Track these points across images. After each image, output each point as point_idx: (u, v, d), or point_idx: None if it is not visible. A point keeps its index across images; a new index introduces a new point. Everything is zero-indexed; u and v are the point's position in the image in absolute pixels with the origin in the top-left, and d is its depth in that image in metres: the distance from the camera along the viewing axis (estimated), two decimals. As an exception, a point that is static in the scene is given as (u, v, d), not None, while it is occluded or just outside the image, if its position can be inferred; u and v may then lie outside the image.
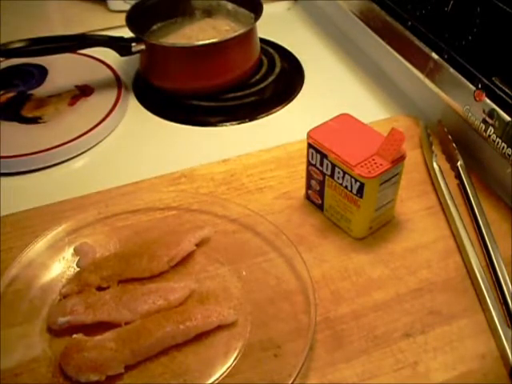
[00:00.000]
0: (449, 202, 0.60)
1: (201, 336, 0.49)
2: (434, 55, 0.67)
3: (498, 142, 0.58)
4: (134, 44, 0.78)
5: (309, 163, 0.58)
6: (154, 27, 0.85)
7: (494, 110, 0.58)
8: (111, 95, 0.78)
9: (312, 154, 0.57)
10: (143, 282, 0.53)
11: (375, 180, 0.52)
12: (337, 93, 0.81)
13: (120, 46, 0.78)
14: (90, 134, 0.72)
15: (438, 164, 0.64)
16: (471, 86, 0.61)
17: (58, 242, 0.57)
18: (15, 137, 0.72)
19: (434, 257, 0.56)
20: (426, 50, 0.68)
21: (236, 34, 0.76)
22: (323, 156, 0.55)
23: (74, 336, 0.48)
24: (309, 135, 0.56)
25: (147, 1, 0.83)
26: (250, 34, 0.80)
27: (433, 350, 0.49)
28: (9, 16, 1.01)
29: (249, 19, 0.83)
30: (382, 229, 0.59)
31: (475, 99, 0.61)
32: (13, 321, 0.51)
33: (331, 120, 0.58)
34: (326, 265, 0.56)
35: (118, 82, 0.81)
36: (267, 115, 0.78)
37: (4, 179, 0.68)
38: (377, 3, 0.77)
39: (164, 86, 0.80)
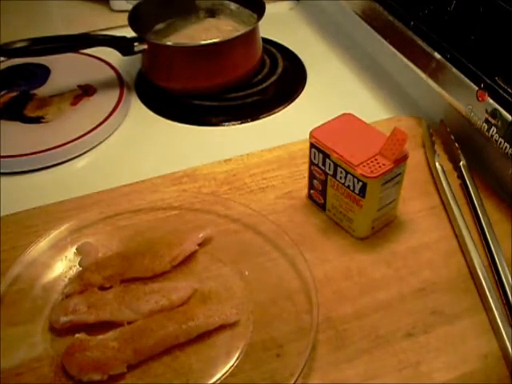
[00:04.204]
0: (451, 202, 0.60)
1: (203, 336, 0.49)
2: (437, 55, 0.66)
3: (500, 142, 0.58)
4: (136, 44, 0.78)
5: (311, 163, 0.58)
6: (157, 27, 0.85)
7: (496, 109, 0.58)
8: (113, 95, 0.78)
9: (314, 153, 0.56)
10: (146, 281, 0.53)
11: (378, 180, 0.52)
12: (339, 92, 0.81)
13: (122, 45, 0.78)
14: (92, 133, 0.72)
15: (441, 164, 0.64)
16: (474, 85, 0.61)
17: (60, 242, 0.57)
18: (18, 136, 0.72)
19: (436, 257, 0.56)
20: (429, 49, 0.68)
21: (238, 33, 0.76)
22: (325, 156, 0.55)
23: (77, 335, 0.48)
24: (311, 135, 0.56)
25: (150, 0, 0.83)
26: (252, 33, 0.80)
27: (435, 350, 0.49)
28: (11, 16, 1.01)
29: (251, 19, 0.83)
30: (384, 229, 0.59)
31: (478, 99, 0.61)
32: (15, 320, 0.51)
33: (333, 120, 0.58)
34: (328, 264, 0.56)
35: (120, 82, 0.81)
36: (269, 115, 0.78)
37: (6, 179, 0.68)
38: (379, 3, 0.77)
39: (166, 85, 0.80)
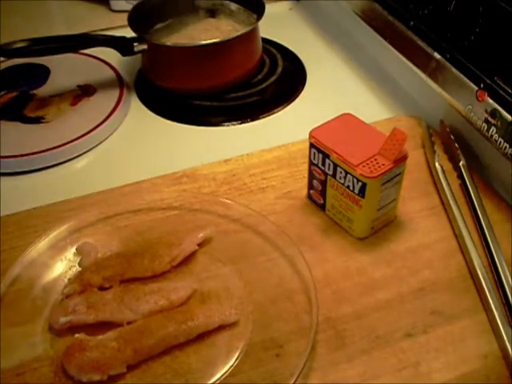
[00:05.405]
0: (451, 202, 0.60)
1: (203, 336, 0.49)
2: (437, 55, 0.66)
3: (500, 142, 0.58)
4: (136, 44, 0.78)
5: (311, 163, 0.58)
6: (157, 27, 0.85)
7: (496, 109, 0.58)
8: (113, 95, 0.78)
9: (314, 153, 0.56)
10: (145, 281, 0.53)
11: (377, 180, 0.52)
12: (339, 93, 0.81)
13: (122, 45, 0.78)
14: (92, 133, 0.72)
15: (440, 164, 0.64)
16: (473, 85, 0.61)
17: (59, 242, 0.57)
18: (18, 136, 0.72)
19: (436, 257, 0.56)
20: (429, 49, 0.68)
21: (238, 33, 0.76)
22: (325, 156, 0.55)
23: (76, 336, 0.48)
24: (311, 135, 0.56)
25: (149, 1, 0.83)
26: (252, 33, 0.80)
27: (435, 350, 0.49)
28: (11, 16, 1.01)
29: (251, 19, 0.83)
30: (384, 229, 0.59)
31: (477, 99, 0.61)
32: (15, 320, 0.51)
33: (333, 120, 0.58)
34: (327, 265, 0.56)
35: (120, 82, 0.81)
36: (269, 115, 0.78)
37: (6, 179, 0.68)
38: (379, 3, 0.77)
39: (166, 85, 0.80)
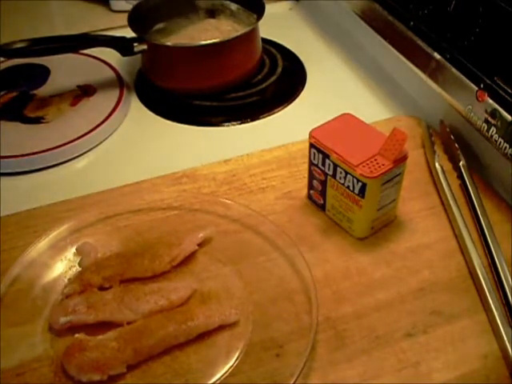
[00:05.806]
0: (451, 202, 0.60)
1: (203, 336, 0.49)
2: (437, 55, 0.66)
3: (500, 142, 0.58)
4: (136, 44, 0.78)
5: (311, 163, 0.58)
6: (157, 27, 0.85)
7: (496, 109, 0.58)
8: (113, 95, 0.78)
9: (314, 153, 0.56)
10: (145, 281, 0.53)
11: (377, 180, 0.52)
12: (339, 93, 0.81)
13: (122, 46, 0.78)
14: (92, 133, 0.72)
15: (440, 164, 0.64)
16: (473, 85, 0.61)
17: (59, 242, 0.57)
18: (18, 136, 0.72)
19: (436, 257, 0.56)
20: (429, 49, 0.68)
21: (238, 33, 0.76)
22: (325, 156, 0.55)
23: (76, 336, 0.48)
24: (311, 135, 0.56)
25: (149, 1, 0.83)
26: (252, 33, 0.80)
27: (435, 350, 0.49)
28: (11, 16, 1.01)
29: (251, 19, 0.83)
30: (383, 229, 0.59)
31: (477, 99, 0.61)
32: (15, 320, 0.51)
33: (333, 120, 0.58)
34: (327, 265, 0.56)
35: (120, 82, 0.81)
36: (269, 115, 0.78)
37: (6, 179, 0.68)
38: (379, 3, 0.77)
39: (166, 85, 0.80)
